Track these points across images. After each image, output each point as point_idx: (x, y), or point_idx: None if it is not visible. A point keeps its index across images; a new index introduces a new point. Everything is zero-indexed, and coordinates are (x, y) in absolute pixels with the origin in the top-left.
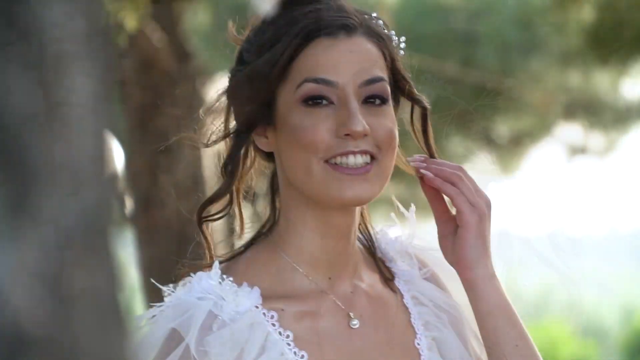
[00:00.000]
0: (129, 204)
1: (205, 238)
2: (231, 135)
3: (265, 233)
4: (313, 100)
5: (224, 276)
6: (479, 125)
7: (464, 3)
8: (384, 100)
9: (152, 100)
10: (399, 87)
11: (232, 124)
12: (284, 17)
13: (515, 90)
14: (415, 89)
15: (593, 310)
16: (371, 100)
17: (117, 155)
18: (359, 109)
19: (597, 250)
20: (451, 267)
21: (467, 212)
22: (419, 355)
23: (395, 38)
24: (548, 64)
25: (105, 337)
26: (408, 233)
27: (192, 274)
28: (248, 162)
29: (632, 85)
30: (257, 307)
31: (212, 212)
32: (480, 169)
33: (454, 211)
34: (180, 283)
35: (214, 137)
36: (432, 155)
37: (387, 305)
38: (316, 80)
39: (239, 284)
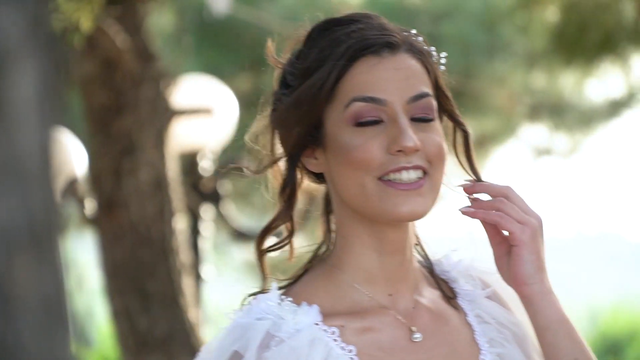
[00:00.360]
0: (91, 206)
1: (263, 270)
2: (279, 160)
3: (321, 255)
4: (364, 119)
5: (283, 297)
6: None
7: (428, 5)
8: (431, 117)
9: (115, 102)
10: (441, 104)
11: (278, 149)
12: (326, 38)
13: (480, 92)
14: (457, 111)
15: None
16: (420, 117)
17: (80, 157)
18: (410, 125)
19: (563, 252)
20: (509, 289)
21: (518, 231)
22: None
23: (435, 54)
24: (512, 66)
25: (48, 338)
26: (470, 256)
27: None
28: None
29: (597, 86)
30: (317, 324)
31: (270, 244)
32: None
33: (506, 232)
34: (241, 308)
35: (264, 163)
36: (478, 178)
37: (449, 321)
38: (364, 99)
39: (298, 304)
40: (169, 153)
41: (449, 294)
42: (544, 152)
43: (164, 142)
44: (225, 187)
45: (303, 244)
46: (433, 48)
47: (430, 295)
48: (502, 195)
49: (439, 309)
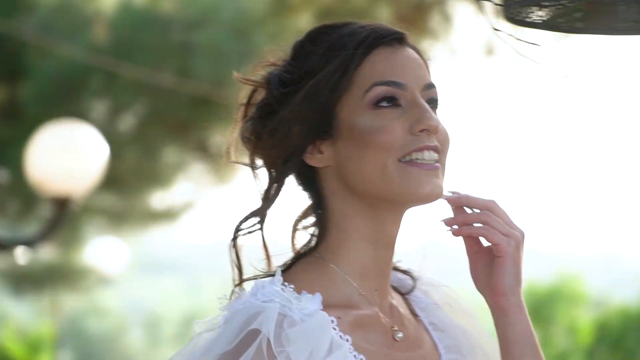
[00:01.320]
0: None
1: (238, 256)
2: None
3: (311, 248)
4: (386, 102)
5: (285, 283)
6: (194, 135)
7: (181, 14)
8: (437, 105)
9: None
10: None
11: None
12: (333, 35)
13: (232, 100)
14: None
15: None
16: (431, 104)
17: None
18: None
19: None
20: (457, 300)
21: (504, 243)
22: None
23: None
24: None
25: None
26: (419, 268)
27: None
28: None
29: None
30: (322, 310)
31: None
32: (196, 178)
33: (485, 243)
34: (237, 291)
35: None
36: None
37: (415, 325)
38: (387, 83)
39: (298, 292)
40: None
41: (408, 301)
42: None
43: None
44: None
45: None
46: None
47: (397, 299)
48: (487, 208)
49: (406, 312)
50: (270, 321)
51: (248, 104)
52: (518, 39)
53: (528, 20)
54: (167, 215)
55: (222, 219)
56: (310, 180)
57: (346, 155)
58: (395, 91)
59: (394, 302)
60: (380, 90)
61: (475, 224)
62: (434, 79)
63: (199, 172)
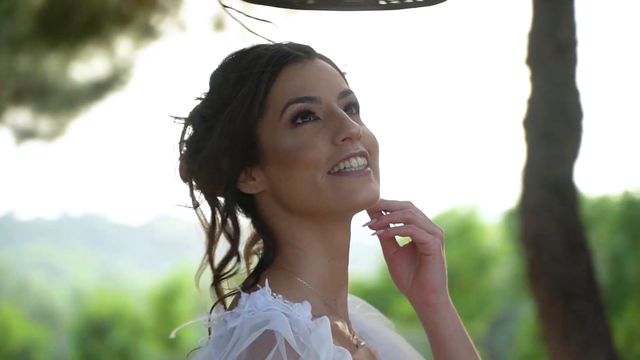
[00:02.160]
0: None
1: (223, 299)
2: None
3: (268, 264)
4: (302, 118)
5: (274, 294)
6: None
7: None
8: (358, 109)
9: None
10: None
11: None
12: (243, 61)
13: None
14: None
15: (43, 294)
16: (350, 110)
17: None
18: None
19: (48, 233)
20: (374, 310)
21: (431, 240)
22: None
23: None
24: None
25: None
26: None
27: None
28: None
29: (82, 69)
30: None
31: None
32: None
33: (401, 243)
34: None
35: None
36: None
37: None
38: (301, 100)
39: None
40: None
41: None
42: (28, 135)
43: None
44: None
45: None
46: (346, 62)
47: None
48: (403, 208)
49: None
50: (285, 325)
51: (182, 141)
52: (247, 15)
53: None
54: None
55: None
56: (251, 207)
57: (277, 178)
58: (310, 106)
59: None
60: (295, 107)
61: (398, 224)
62: (349, 85)
63: None
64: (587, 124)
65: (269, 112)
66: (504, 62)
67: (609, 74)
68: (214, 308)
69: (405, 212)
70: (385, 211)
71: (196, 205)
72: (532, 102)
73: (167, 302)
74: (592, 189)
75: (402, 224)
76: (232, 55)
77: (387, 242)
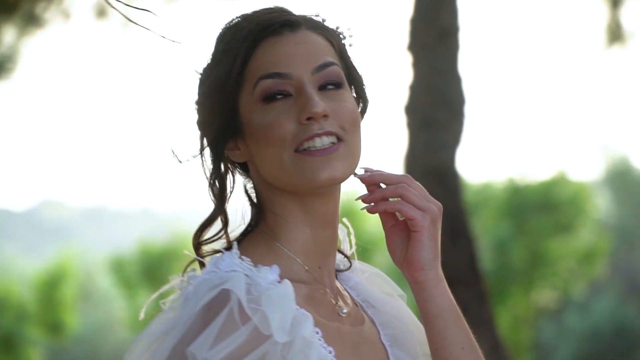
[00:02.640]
0: None
1: (202, 263)
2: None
3: (253, 228)
4: (271, 97)
5: (242, 257)
6: None
7: None
8: (339, 84)
9: None
10: (350, 76)
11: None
12: (230, 32)
13: None
14: (364, 85)
15: None
16: (328, 86)
17: None
18: (318, 94)
19: None
20: (387, 280)
21: (419, 217)
22: (386, 350)
23: (342, 33)
24: None
25: None
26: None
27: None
28: (229, 181)
29: None
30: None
31: (207, 236)
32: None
33: (401, 217)
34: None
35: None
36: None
37: (350, 302)
38: (270, 76)
39: (255, 265)
40: None
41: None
42: None
43: None
44: None
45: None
46: (339, 26)
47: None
48: (400, 182)
49: (341, 290)
50: (240, 285)
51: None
52: (126, 4)
53: None
54: None
55: None
56: (246, 171)
57: (254, 151)
58: (280, 82)
59: (335, 280)
60: (266, 84)
61: (392, 199)
62: (333, 57)
63: None
64: (469, 110)
65: (246, 85)
66: (386, 48)
67: (491, 60)
68: (186, 271)
69: (397, 187)
70: (382, 183)
71: (198, 154)
72: (414, 89)
73: (51, 288)
74: (475, 175)
75: (394, 199)
76: (224, 26)
77: (386, 216)
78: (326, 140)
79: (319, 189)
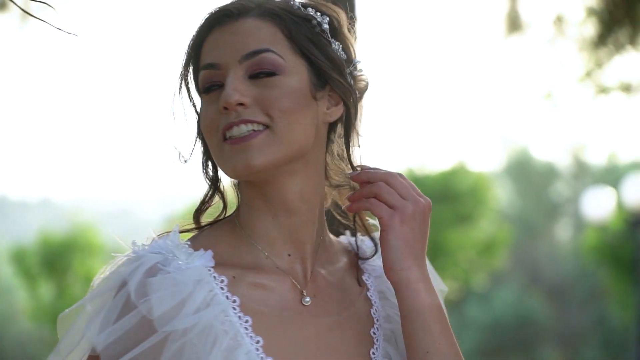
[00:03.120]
0: None
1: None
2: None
3: (230, 215)
4: (208, 88)
5: (183, 240)
6: None
7: None
8: (271, 72)
9: None
10: (321, 71)
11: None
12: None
13: None
14: (343, 82)
15: None
16: (258, 73)
17: None
18: (245, 83)
19: None
20: None
21: (386, 216)
22: (373, 343)
23: (315, 21)
24: None
25: None
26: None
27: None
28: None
29: None
30: (208, 269)
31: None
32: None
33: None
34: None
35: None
36: (349, 156)
37: (346, 292)
38: (205, 67)
39: (195, 249)
40: None
41: (359, 271)
42: None
43: None
44: None
45: None
46: (315, 14)
47: (334, 268)
48: (382, 180)
49: (339, 280)
50: (141, 269)
51: None
52: None
53: None
54: None
55: None
56: None
57: None
58: (212, 73)
59: (323, 272)
60: (202, 75)
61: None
62: (273, 43)
63: None
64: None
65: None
66: None
67: (391, 49)
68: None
69: (374, 186)
70: (369, 181)
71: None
72: None
73: None
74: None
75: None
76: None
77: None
78: (244, 129)
79: (240, 177)
